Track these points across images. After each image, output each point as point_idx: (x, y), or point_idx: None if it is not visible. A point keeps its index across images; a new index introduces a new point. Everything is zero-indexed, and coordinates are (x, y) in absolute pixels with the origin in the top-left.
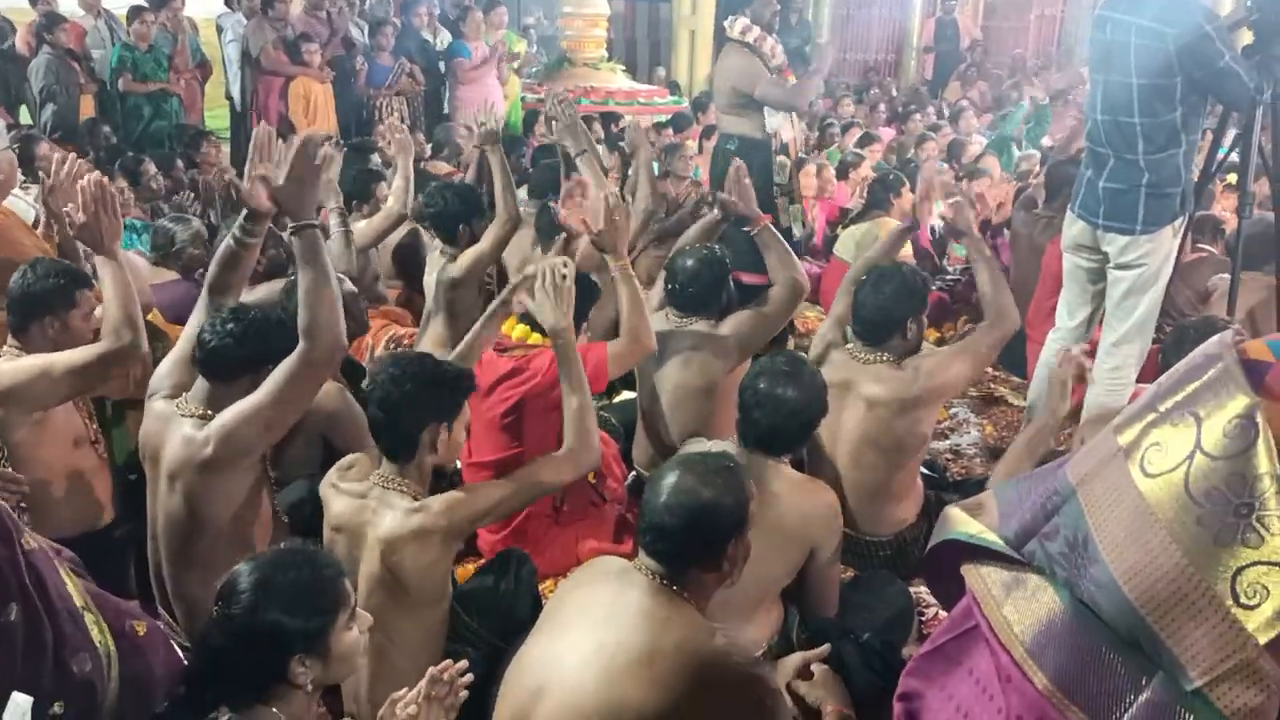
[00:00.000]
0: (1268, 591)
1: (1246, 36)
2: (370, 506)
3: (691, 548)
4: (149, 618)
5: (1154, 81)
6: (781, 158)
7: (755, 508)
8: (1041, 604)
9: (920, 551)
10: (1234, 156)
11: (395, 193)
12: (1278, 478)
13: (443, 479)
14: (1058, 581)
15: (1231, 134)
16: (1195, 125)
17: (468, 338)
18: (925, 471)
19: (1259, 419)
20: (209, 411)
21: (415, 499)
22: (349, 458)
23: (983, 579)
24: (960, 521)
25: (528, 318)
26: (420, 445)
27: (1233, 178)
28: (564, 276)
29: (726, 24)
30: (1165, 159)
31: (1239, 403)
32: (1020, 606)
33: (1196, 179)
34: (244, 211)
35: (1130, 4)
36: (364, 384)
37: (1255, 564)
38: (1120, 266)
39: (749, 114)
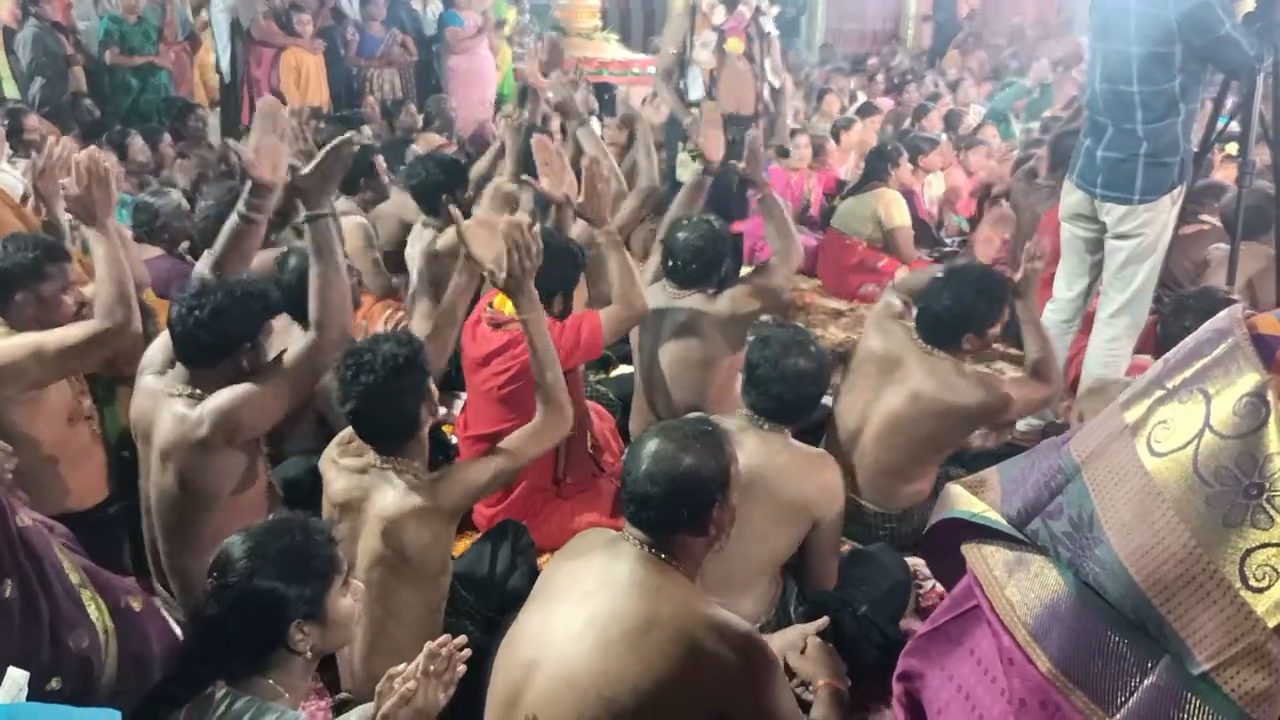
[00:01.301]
0: (1277, 574)
1: (1247, 4)
2: (370, 483)
3: (676, 514)
4: (145, 593)
5: (1153, 50)
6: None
7: (758, 481)
8: (1045, 586)
9: (922, 527)
10: (1234, 126)
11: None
12: None
13: (441, 453)
14: (1062, 562)
15: (1231, 102)
16: (1194, 94)
17: (445, 302)
18: None
19: (1270, 397)
20: (197, 390)
21: (415, 476)
22: (348, 430)
23: (984, 559)
24: (962, 499)
25: None
26: (417, 428)
27: (1232, 147)
28: (527, 247)
29: None
30: (1164, 128)
31: (1250, 379)
32: (1023, 588)
33: (1196, 148)
34: (249, 184)
35: None
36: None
37: (1265, 546)
38: (1118, 236)
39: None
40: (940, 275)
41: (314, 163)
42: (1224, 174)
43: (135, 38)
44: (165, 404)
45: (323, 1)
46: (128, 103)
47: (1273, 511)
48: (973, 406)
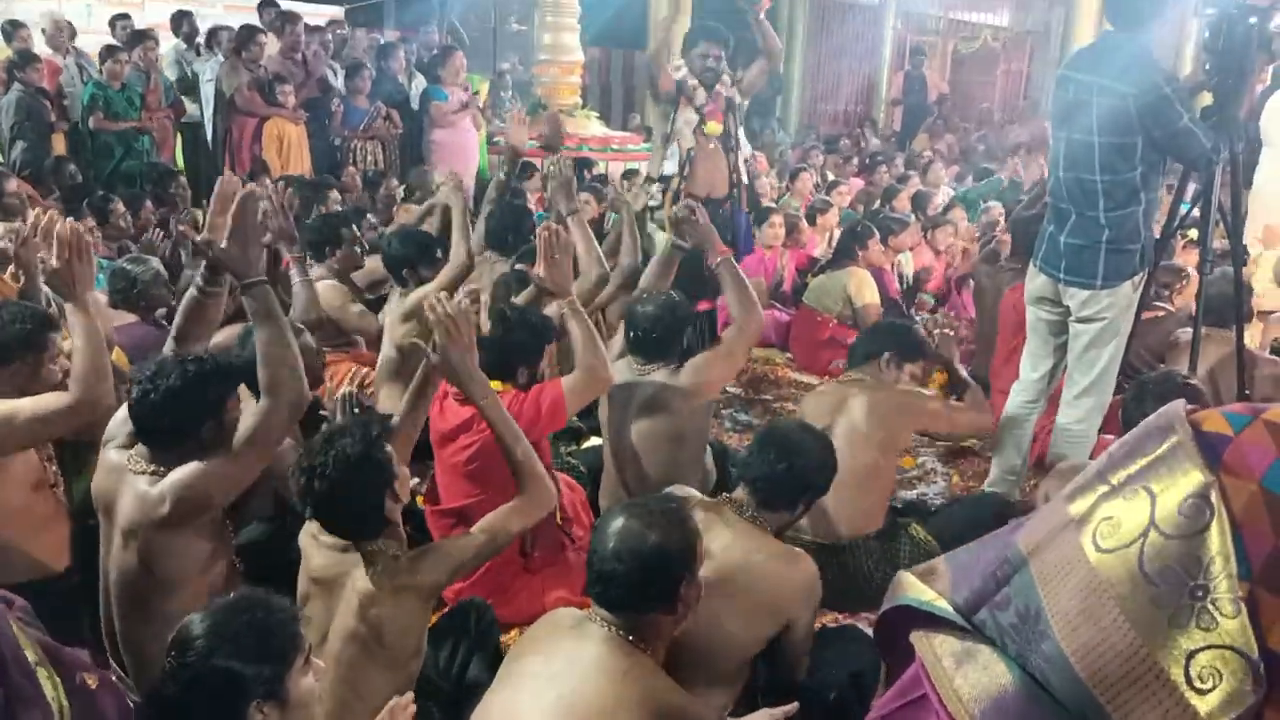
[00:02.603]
0: (1220, 676)
1: (1205, 99)
2: (351, 560)
3: (643, 593)
4: (100, 669)
5: (1115, 140)
6: (657, 184)
7: (733, 577)
8: (993, 678)
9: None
10: (1195, 212)
11: (456, 243)
12: (1230, 558)
13: (409, 523)
14: (1009, 655)
15: (1193, 189)
16: (1155, 183)
17: (402, 413)
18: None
19: (1213, 497)
20: (159, 468)
21: (394, 555)
22: None
23: (933, 648)
24: (911, 587)
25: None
26: (383, 519)
27: (1194, 233)
28: (453, 328)
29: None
30: (1125, 216)
31: (1193, 479)
32: (971, 679)
33: (1158, 235)
34: (203, 264)
35: (1092, 64)
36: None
37: (1209, 647)
38: (1081, 320)
39: (655, 152)
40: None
41: (226, 229)
42: (1186, 259)
43: (119, 104)
44: (127, 481)
45: (308, 73)
46: (109, 167)
47: (1216, 614)
48: (905, 403)
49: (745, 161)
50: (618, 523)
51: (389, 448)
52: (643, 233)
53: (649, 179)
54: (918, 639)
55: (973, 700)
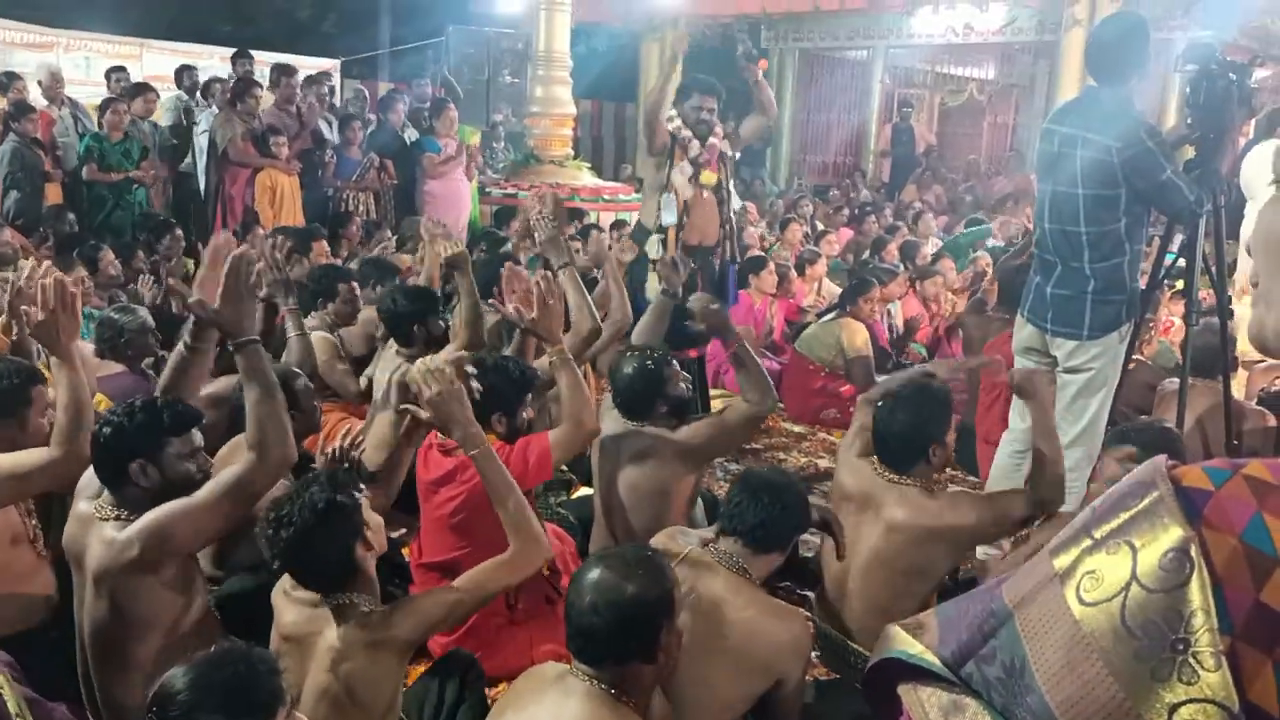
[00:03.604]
0: None
1: (1188, 152)
2: (323, 616)
3: (624, 645)
4: None
5: (1099, 192)
6: (655, 235)
7: (721, 630)
8: None
9: None
10: (1181, 262)
11: (462, 322)
12: (1211, 613)
13: (391, 581)
14: (995, 709)
15: (1178, 240)
16: (1139, 235)
17: (387, 467)
18: None
19: (1193, 552)
20: (125, 513)
21: (366, 610)
22: None
23: (921, 702)
24: (900, 640)
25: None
26: (353, 568)
27: (1181, 284)
28: (451, 381)
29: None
30: (1111, 267)
31: (1173, 534)
32: None
33: (1144, 285)
34: (191, 321)
35: (1076, 118)
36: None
37: (1190, 701)
38: (1068, 370)
39: (647, 201)
40: (886, 400)
41: (220, 290)
42: (1173, 310)
43: (114, 155)
44: (95, 528)
45: (302, 124)
46: (101, 217)
47: (1197, 667)
48: (948, 528)
49: (734, 212)
50: (593, 575)
51: (359, 496)
52: (643, 283)
53: (641, 229)
54: (905, 691)
55: None
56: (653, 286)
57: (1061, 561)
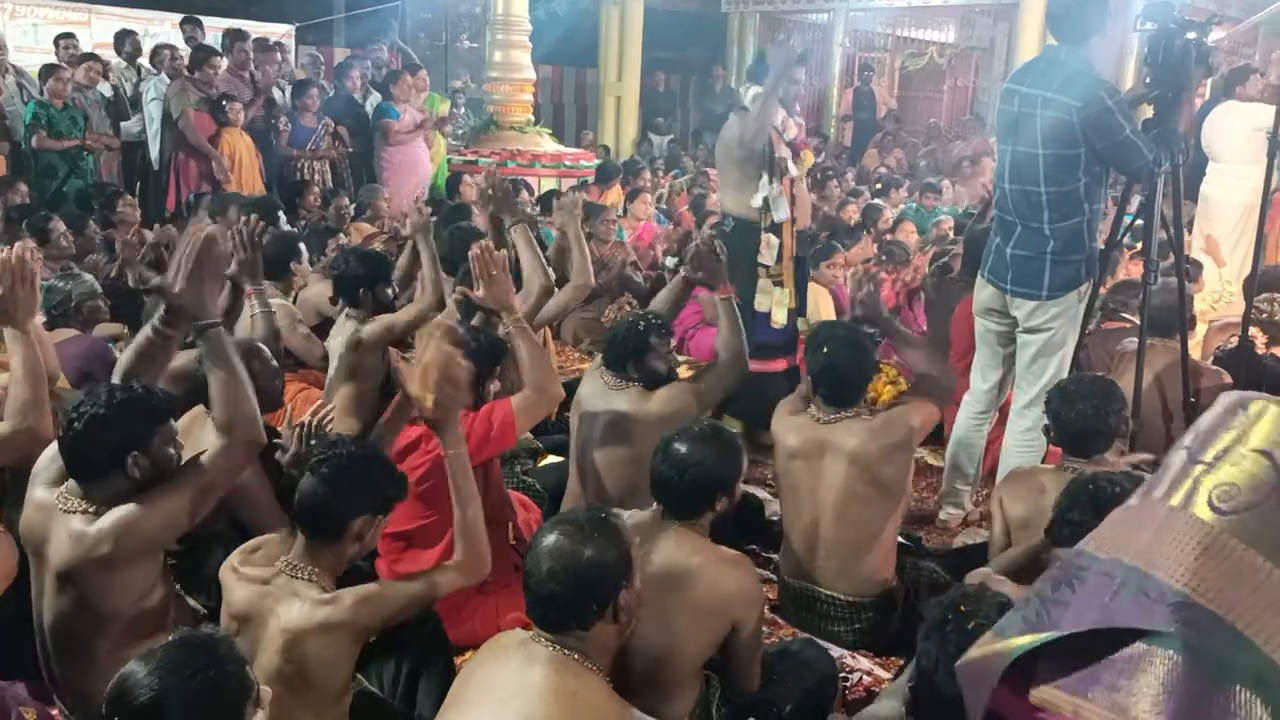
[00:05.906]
0: None
1: (1146, 112)
2: (274, 594)
3: (583, 609)
4: (37, 704)
5: (1059, 152)
6: (769, 236)
7: (675, 581)
8: (1152, 673)
9: (901, 611)
10: (1139, 223)
11: (427, 282)
12: None
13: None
14: (1162, 638)
15: (1136, 201)
16: (1098, 195)
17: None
18: (901, 540)
19: None
20: (93, 506)
21: (323, 590)
22: (255, 540)
23: (1072, 698)
24: (1002, 643)
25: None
26: (347, 534)
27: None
28: (455, 380)
29: (741, 90)
30: (1070, 227)
31: None
32: (1134, 690)
33: (1102, 246)
34: (162, 305)
35: (1036, 78)
36: (286, 459)
37: None
38: (1028, 330)
39: (741, 191)
40: (814, 342)
41: (181, 273)
42: (1132, 270)
43: (63, 122)
44: (60, 521)
45: (256, 90)
46: (54, 187)
47: None
48: (903, 438)
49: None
50: (549, 541)
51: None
52: (753, 291)
53: (729, 224)
54: (1041, 695)
55: (1145, 711)
56: (765, 301)
57: (1176, 498)
